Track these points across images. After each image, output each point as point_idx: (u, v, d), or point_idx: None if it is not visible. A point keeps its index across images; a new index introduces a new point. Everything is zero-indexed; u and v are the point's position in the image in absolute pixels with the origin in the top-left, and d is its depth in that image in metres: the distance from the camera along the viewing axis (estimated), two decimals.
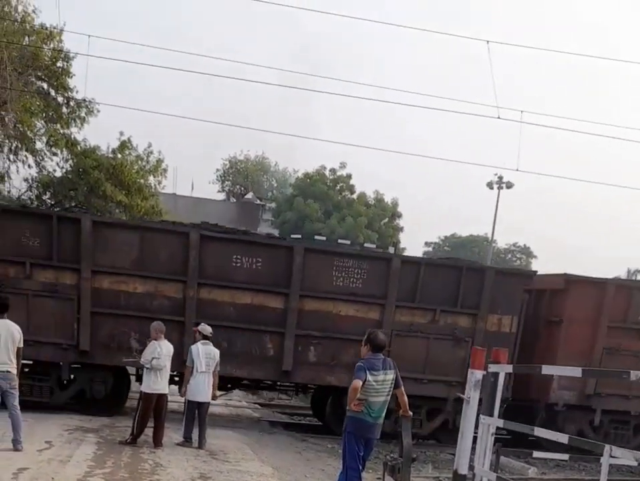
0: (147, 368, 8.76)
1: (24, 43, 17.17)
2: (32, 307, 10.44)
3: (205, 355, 9.17)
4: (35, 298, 10.47)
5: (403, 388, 6.51)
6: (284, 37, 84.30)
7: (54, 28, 18.03)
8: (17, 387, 7.80)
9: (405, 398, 6.62)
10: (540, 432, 5.79)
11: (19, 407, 7.77)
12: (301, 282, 11.00)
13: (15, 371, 7.74)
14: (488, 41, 13.60)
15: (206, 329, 9.43)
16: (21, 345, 7.83)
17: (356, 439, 6.19)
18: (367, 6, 77.50)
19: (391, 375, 6.23)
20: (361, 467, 6.30)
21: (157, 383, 8.76)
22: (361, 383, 5.99)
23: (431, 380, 11.40)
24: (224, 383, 11.16)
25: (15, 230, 10.40)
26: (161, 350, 8.74)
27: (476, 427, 6.39)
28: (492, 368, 6.37)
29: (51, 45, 18.28)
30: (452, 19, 77.67)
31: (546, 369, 8.01)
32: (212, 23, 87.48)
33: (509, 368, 6.92)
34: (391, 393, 6.31)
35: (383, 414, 6.30)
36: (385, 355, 6.40)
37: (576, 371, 7.42)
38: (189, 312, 10.80)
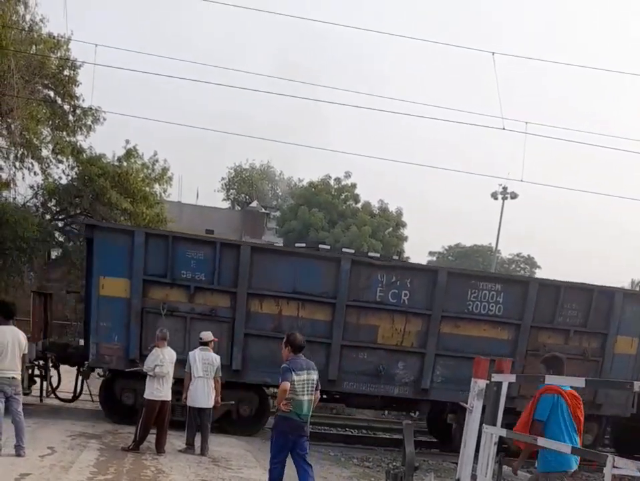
0: (150, 375, 8.80)
1: (31, 52, 17.32)
2: None
3: (202, 360, 9.24)
4: None
5: (318, 393, 6.74)
6: (290, 44, 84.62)
7: (61, 37, 18.20)
8: (21, 392, 7.86)
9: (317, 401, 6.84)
10: (542, 442, 5.76)
11: (22, 413, 7.79)
12: None
13: (19, 377, 7.80)
14: (493, 53, 13.71)
15: (206, 335, 9.50)
16: (26, 352, 7.91)
17: (285, 438, 6.49)
18: (370, 15, 78.00)
19: (314, 375, 6.57)
20: (283, 468, 6.53)
21: (160, 390, 8.80)
22: (288, 384, 6.32)
23: None
24: None
25: None
26: (163, 357, 8.80)
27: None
28: (495, 378, 6.38)
29: (58, 54, 18.44)
30: (458, 31, 77.99)
31: (550, 379, 8.01)
32: (216, 30, 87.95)
33: (512, 378, 6.90)
34: (314, 392, 6.58)
35: (310, 413, 6.61)
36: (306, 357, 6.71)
37: (579, 381, 7.42)
38: None
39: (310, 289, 11.29)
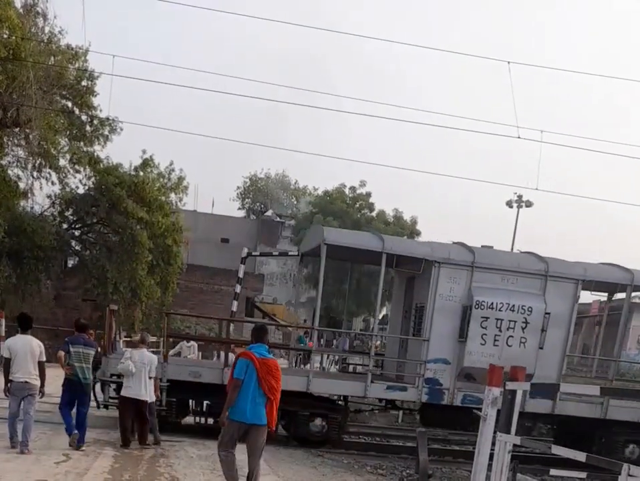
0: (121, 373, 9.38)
1: (50, 63, 17.59)
2: None
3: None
4: None
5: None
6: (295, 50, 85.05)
7: (79, 48, 18.46)
8: (35, 395, 8.23)
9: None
10: (557, 450, 5.71)
11: (32, 413, 8.19)
12: None
13: (34, 382, 8.19)
14: (509, 62, 13.67)
15: (144, 337, 9.84)
16: (43, 359, 8.28)
17: (69, 393, 8.59)
18: (384, 26, 78.21)
19: (89, 350, 8.61)
20: (70, 414, 8.64)
21: (132, 387, 9.11)
22: (62, 353, 8.37)
23: None
24: None
25: None
26: (132, 357, 9.14)
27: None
28: (510, 386, 6.34)
29: (76, 65, 18.71)
30: (473, 40, 77.95)
31: (565, 387, 7.94)
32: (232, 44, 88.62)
33: (526, 385, 6.85)
34: (90, 363, 8.61)
35: (89, 376, 8.65)
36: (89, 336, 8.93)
37: (594, 390, 7.34)
38: None
39: None
